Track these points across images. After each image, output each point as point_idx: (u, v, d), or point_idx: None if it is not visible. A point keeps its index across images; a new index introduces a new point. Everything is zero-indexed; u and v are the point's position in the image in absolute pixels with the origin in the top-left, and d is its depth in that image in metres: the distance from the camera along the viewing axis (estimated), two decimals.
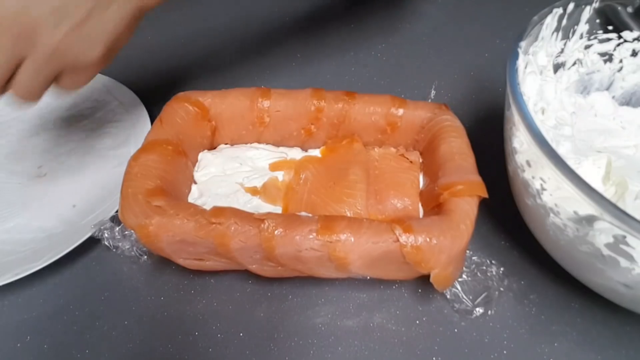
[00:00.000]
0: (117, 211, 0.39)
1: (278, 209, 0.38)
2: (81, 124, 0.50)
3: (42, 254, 0.37)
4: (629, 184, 0.35)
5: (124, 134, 0.48)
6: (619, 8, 0.39)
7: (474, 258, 0.35)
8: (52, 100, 0.52)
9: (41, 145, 0.48)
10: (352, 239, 0.31)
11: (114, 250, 0.37)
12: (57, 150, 0.48)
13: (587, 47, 0.41)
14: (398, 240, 0.30)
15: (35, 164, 0.46)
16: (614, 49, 0.41)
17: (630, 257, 0.27)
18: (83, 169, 0.46)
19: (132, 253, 0.37)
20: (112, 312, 0.36)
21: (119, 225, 0.36)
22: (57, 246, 0.38)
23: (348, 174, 0.38)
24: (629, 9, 0.39)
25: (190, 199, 0.38)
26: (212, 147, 0.43)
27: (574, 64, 0.42)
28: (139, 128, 0.47)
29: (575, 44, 0.41)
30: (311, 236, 0.31)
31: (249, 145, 0.43)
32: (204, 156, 0.41)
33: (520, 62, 0.35)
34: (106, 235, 0.36)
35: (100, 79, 0.53)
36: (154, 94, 0.52)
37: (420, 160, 0.40)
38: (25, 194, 0.44)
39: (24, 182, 0.45)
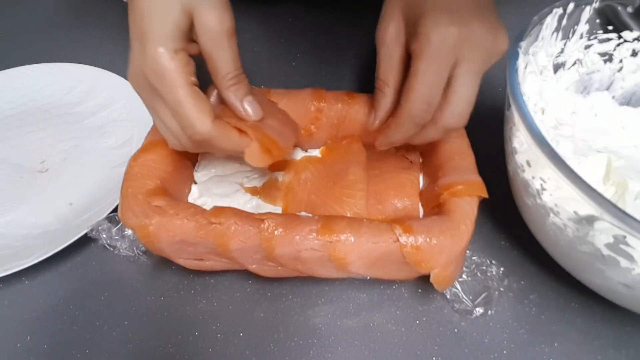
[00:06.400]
0: (112, 211, 0.39)
1: (278, 209, 0.38)
2: (87, 121, 0.50)
3: (33, 250, 0.37)
4: (629, 184, 0.35)
5: (128, 133, 0.48)
6: (619, 8, 0.39)
7: (474, 258, 0.35)
8: (60, 96, 0.53)
9: (46, 140, 0.49)
10: (352, 239, 0.31)
11: (112, 249, 0.37)
12: (61, 146, 0.48)
13: (587, 47, 0.41)
14: (398, 240, 0.30)
15: (39, 159, 0.47)
16: (614, 49, 0.41)
17: (630, 257, 0.27)
18: (83, 167, 0.46)
19: (131, 252, 0.37)
20: (112, 312, 0.36)
21: (116, 225, 0.36)
22: (49, 244, 0.38)
23: (348, 174, 0.38)
24: (629, 9, 0.39)
25: (190, 199, 0.38)
26: None
27: (574, 64, 0.42)
28: (143, 128, 0.47)
29: (575, 44, 0.41)
30: (311, 236, 0.31)
31: None
32: (204, 156, 0.41)
33: (520, 62, 0.35)
34: (104, 235, 0.36)
35: (109, 77, 0.53)
36: None
37: (420, 160, 0.40)
38: (25, 188, 0.44)
39: (26, 176, 0.45)
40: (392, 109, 0.34)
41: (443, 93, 0.30)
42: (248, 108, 0.33)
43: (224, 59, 0.31)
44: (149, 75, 0.29)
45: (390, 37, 0.32)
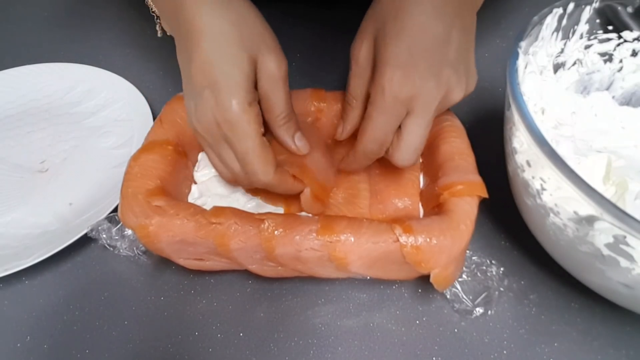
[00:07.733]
0: (112, 211, 0.39)
1: (280, 210, 0.38)
2: (87, 121, 0.50)
3: (33, 250, 0.37)
4: (629, 184, 0.35)
5: (128, 133, 0.48)
6: (619, 8, 0.39)
7: (474, 258, 0.35)
8: (60, 96, 0.53)
9: (46, 140, 0.49)
10: (352, 239, 0.31)
11: (112, 249, 0.37)
12: (61, 146, 0.48)
13: (587, 47, 0.41)
14: (398, 240, 0.30)
15: (39, 159, 0.47)
16: (614, 49, 0.41)
17: (630, 257, 0.27)
18: (83, 167, 0.46)
19: (131, 252, 0.37)
20: (112, 312, 0.36)
21: (116, 225, 0.36)
22: (49, 244, 0.38)
23: (349, 174, 0.38)
24: (629, 9, 0.39)
25: (190, 199, 0.38)
26: None
27: (574, 64, 0.42)
28: (143, 128, 0.47)
29: (575, 44, 0.41)
30: (311, 236, 0.31)
31: None
32: (204, 156, 0.41)
33: (520, 62, 0.35)
34: (104, 235, 0.36)
35: (109, 77, 0.53)
36: (160, 94, 0.52)
37: (420, 161, 0.40)
38: (25, 188, 0.44)
39: (26, 176, 0.45)
40: (359, 121, 0.36)
41: (395, 134, 0.33)
42: (298, 144, 0.35)
43: (279, 100, 0.33)
44: (222, 125, 0.31)
45: (362, 57, 0.34)
